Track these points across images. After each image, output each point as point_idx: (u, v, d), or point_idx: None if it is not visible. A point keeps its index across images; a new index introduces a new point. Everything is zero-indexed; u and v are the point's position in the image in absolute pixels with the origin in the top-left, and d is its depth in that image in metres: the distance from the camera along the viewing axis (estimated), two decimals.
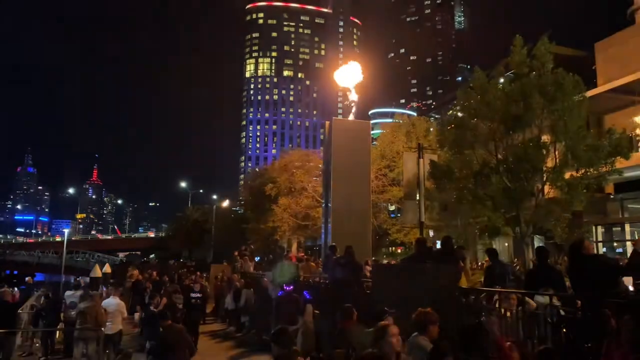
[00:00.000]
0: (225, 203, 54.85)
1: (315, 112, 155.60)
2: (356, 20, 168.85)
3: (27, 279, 23.51)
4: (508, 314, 5.79)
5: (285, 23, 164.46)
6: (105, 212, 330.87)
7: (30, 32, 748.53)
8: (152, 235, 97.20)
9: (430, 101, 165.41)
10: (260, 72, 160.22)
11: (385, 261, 28.12)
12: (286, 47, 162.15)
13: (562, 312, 5.45)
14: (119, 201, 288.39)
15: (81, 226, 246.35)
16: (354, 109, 18.65)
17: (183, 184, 65.52)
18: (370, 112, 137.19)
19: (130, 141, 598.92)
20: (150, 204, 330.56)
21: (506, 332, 5.59)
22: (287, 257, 17.69)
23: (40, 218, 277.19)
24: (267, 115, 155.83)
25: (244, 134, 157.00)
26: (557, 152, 13.46)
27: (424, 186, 14.70)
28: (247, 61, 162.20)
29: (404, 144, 26.00)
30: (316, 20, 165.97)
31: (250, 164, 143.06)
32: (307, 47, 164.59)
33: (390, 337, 4.54)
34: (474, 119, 14.81)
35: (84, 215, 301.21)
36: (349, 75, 18.60)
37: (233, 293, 15.71)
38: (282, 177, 32.64)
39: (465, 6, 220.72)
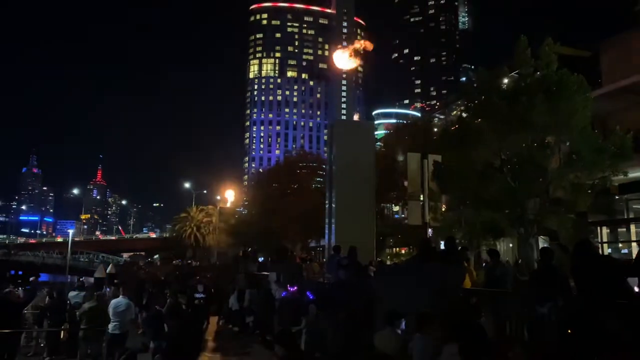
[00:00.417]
0: (230, 199, 54.79)
1: (319, 113, 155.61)
2: (360, 21, 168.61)
3: (31, 279, 23.57)
4: None
5: (289, 24, 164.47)
6: (109, 212, 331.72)
7: (30, 33, 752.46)
8: (153, 235, 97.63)
9: (434, 101, 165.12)
10: (264, 73, 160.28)
11: (389, 262, 28.08)
12: (290, 48, 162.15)
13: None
14: (123, 202, 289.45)
15: (85, 227, 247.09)
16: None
17: (187, 185, 65.78)
18: (374, 113, 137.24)
19: (134, 142, 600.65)
20: (155, 204, 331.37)
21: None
22: (291, 258, 17.69)
23: (45, 219, 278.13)
24: (270, 116, 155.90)
25: (247, 134, 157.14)
26: (561, 153, 13.42)
27: (427, 187, 14.69)
28: (251, 62, 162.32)
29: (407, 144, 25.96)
30: (320, 21, 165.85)
31: (254, 165, 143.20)
32: (311, 47, 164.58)
33: None
34: (478, 119, 14.78)
35: (89, 215, 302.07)
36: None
37: (237, 293, 15.73)
38: (286, 178, 32.68)
39: (469, 6, 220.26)
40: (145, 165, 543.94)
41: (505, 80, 15.90)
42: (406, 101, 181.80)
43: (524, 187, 13.35)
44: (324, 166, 28.66)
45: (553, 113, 13.21)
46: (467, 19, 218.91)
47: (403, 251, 36.17)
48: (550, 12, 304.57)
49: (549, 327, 5.41)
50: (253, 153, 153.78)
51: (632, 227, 21.45)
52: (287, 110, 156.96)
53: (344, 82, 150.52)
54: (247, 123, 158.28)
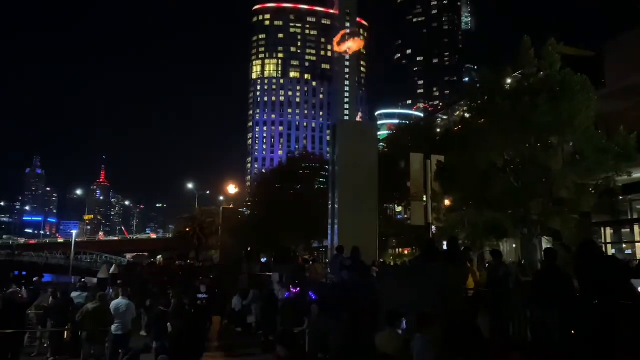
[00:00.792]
0: (232, 192, 54.65)
1: (321, 113, 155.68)
2: (363, 22, 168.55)
3: (35, 279, 23.62)
4: None
5: (291, 24, 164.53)
6: (112, 213, 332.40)
7: (30, 33, 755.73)
8: (154, 236, 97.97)
9: (437, 102, 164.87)
10: (266, 74, 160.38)
11: (392, 262, 28.05)
12: (293, 49, 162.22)
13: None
14: (127, 202, 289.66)
15: (89, 227, 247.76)
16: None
17: (190, 186, 65.86)
18: (376, 113, 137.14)
19: (137, 143, 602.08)
20: (158, 205, 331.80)
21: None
22: (294, 259, 17.70)
23: (48, 219, 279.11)
24: (273, 116, 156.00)
25: (250, 135, 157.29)
26: (564, 153, 13.38)
27: (430, 187, 14.68)
28: (254, 63, 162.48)
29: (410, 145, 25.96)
30: (323, 22, 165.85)
31: (257, 165, 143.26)
32: (314, 48, 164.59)
33: None
34: (481, 119, 14.76)
35: (92, 216, 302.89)
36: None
37: (240, 294, 15.72)
38: (289, 179, 32.68)
39: (472, 7, 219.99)
40: (148, 166, 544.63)
41: (509, 81, 15.87)
42: (409, 101, 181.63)
43: (527, 187, 13.31)
44: (326, 167, 28.66)
45: (556, 113, 13.17)
46: (470, 19, 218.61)
47: (406, 252, 36.15)
48: (554, 12, 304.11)
49: (552, 328, 5.39)
50: (256, 153, 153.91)
51: (636, 228, 21.38)
52: (289, 110, 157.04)
53: (346, 82, 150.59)
54: (250, 124, 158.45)
